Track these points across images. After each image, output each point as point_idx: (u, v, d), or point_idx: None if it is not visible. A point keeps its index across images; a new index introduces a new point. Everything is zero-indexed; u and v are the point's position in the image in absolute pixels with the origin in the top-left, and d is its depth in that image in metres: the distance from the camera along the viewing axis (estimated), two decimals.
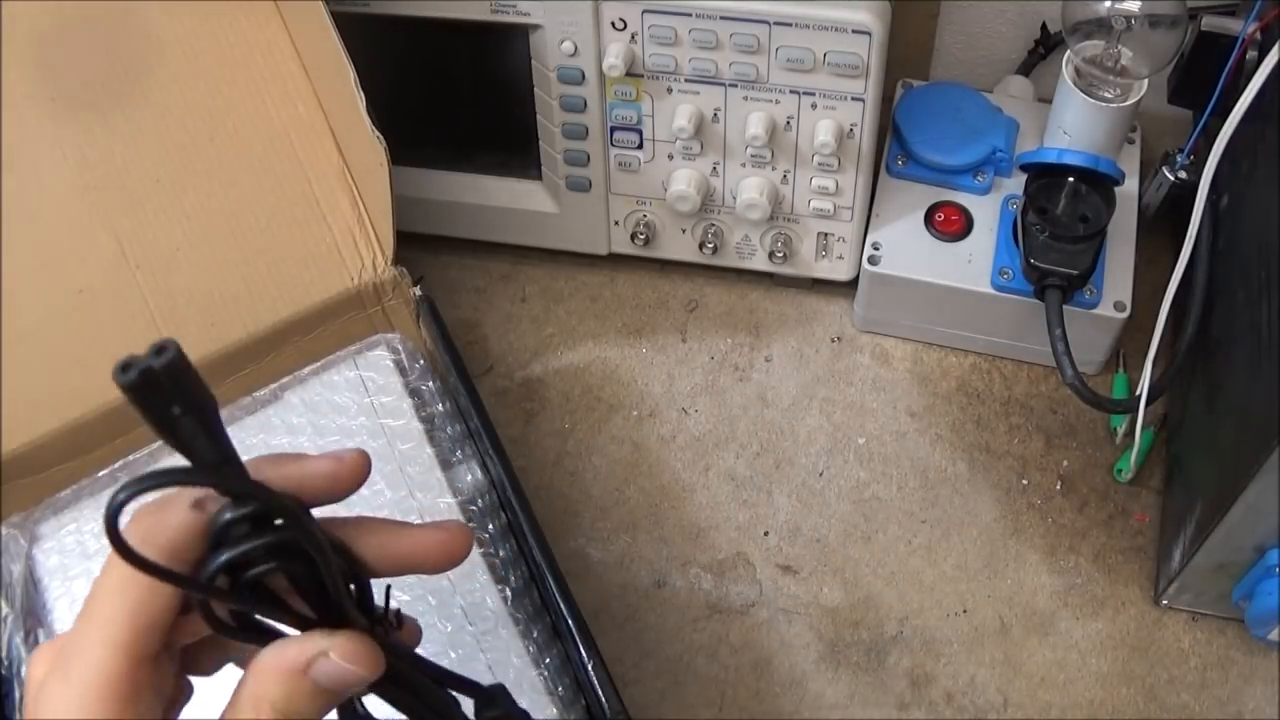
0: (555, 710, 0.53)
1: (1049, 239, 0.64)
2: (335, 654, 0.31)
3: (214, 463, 0.30)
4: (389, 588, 0.35)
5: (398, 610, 0.35)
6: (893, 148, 0.72)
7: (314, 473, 0.33)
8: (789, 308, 0.76)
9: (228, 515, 0.30)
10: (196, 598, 0.32)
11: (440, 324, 0.62)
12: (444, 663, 0.53)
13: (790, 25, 0.62)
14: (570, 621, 0.54)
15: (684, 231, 0.73)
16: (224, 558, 0.30)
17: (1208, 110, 0.62)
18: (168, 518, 0.31)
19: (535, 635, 0.55)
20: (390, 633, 0.34)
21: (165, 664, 0.33)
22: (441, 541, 0.34)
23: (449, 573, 0.55)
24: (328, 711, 0.32)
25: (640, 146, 0.69)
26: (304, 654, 0.31)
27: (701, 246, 0.73)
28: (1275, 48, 0.54)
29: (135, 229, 0.61)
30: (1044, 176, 0.66)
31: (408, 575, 0.34)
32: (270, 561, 0.31)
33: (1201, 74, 0.64)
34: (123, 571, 0.30)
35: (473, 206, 0.74)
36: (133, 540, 0.28)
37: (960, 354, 0.73)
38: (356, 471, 0.34)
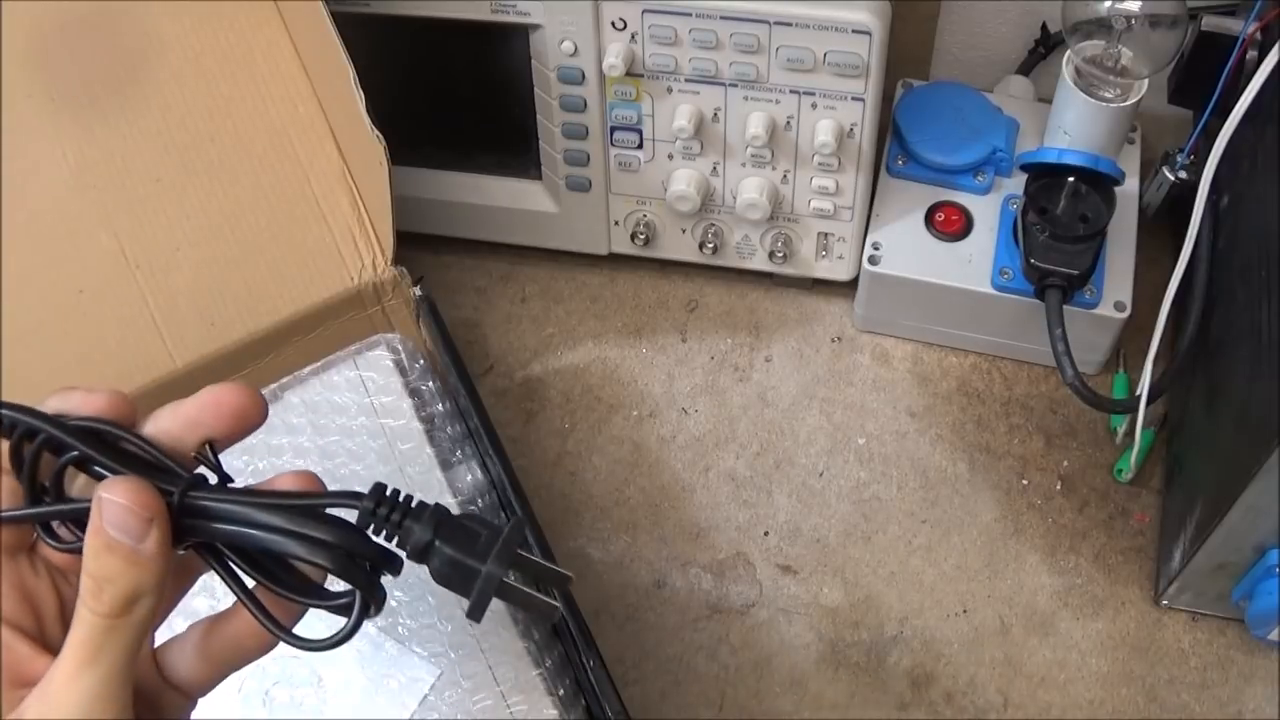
0: (555, 710, 0.53)
1: (1049, 239, 0.64)
2: (104, 492, 0.33)
3: None
4: (208, 444, 0.36)
5: (212, 466, 0.37)
6: (893, 148, 0.72)
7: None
8: (789, 308, 0.76)
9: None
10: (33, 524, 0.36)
11: (440, 324, 0.62)
12: (444, 663, 0.53)
13: (790, 25, 0.62)
14: (570, 621, 0.54)
15: (684, 231, 0.73)
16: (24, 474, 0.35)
17: (1208, 110, 0.62)
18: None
19: (535, 635, 0.55)
20: (202, 481, 0.36)
21: (28, 569, 0.36)
22: (216, 398, 0.36)
23: None
24: (140, 575, 0.33)
25: (640, 146, 0.69)
26: (94, 509, 0.33)
27: (701, 246, 0.73)
28: (1275, 48, 0.54)
29: (135, 229, 0.61)
30: (1044, 176, 0.66)
31: (218, 441, 0.36)
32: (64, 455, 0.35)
33: (1201, 74, 0.64)
34: None
35: (473, 206, 0.74)
36: None
37: (960, 354, 0.73)
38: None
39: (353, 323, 0.63)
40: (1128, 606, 0.65)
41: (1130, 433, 0.66)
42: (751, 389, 0.72)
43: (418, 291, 0.62)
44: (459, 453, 0.59)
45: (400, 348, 0.61)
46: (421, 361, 0.61)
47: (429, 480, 0.58)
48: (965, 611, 0.65)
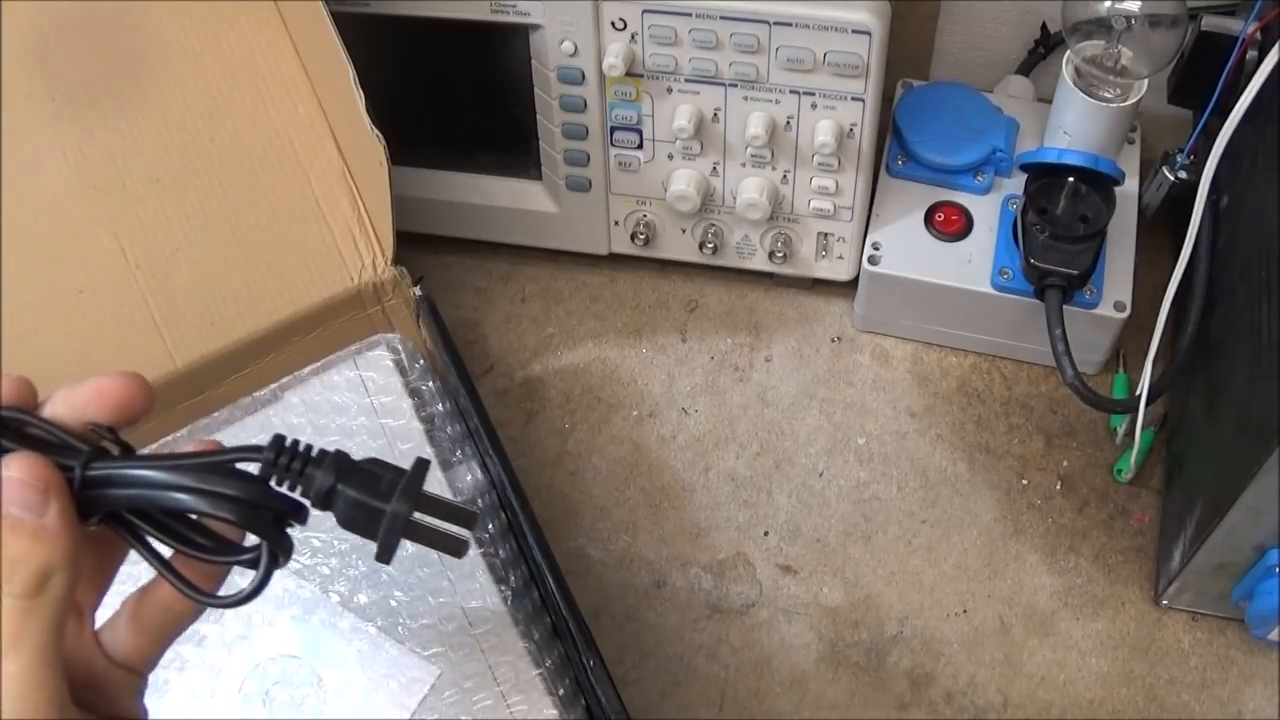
0: (555, 710, 0.53)
1: (1049, 239, 0.64)
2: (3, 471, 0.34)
3: None
4: (110, 429, 0.37)
5: (109, 440, 0.37)
6: (893, 148, 0.72)
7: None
8: (789, 308, 0.76)
9: None
10: None
11: (440, 324, 0.62)
12: (444, 663, 0.53)
13: (790, 25, 0.62)
14: (570, 621, 0.54)
15: (684, 231, 0.73)
16: None
17: (1208, 110, 0.62)
18: None
19: (535, 635, 0.55)
20: (103, 455, 0.36)
21: None
22: (100, 388, 0.37)
23: (449, 573, 0.55)
24: (48, 551, 0.33)
25: (640, 146, 0.69)
26: None
27: (701, 246, 0.73)
28: (1275, 48, 0.54)
29: (135, 229, 0.61)
30: (1044, 176, 0.66)
31: (108, 423, 0.37)
32: None
33: (1201, 74, 0.64)
34: None
35: (473, 206, 0.74)
36: None
37: (960, 354, 0.73)
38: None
39: (353, 323, 0.63)
40: (1128, 606, 0.65)
41: (1130, 433, 0.66)
42: (751, 389, 0.72)
43: (418, 291, 0.62)
44: (459, 453, 0.59)
45: (400, 348, 0.61)
46: (421, 361, 0.61)
47: (429, 480, 0.57)
48: (965, 611, 0.65)
